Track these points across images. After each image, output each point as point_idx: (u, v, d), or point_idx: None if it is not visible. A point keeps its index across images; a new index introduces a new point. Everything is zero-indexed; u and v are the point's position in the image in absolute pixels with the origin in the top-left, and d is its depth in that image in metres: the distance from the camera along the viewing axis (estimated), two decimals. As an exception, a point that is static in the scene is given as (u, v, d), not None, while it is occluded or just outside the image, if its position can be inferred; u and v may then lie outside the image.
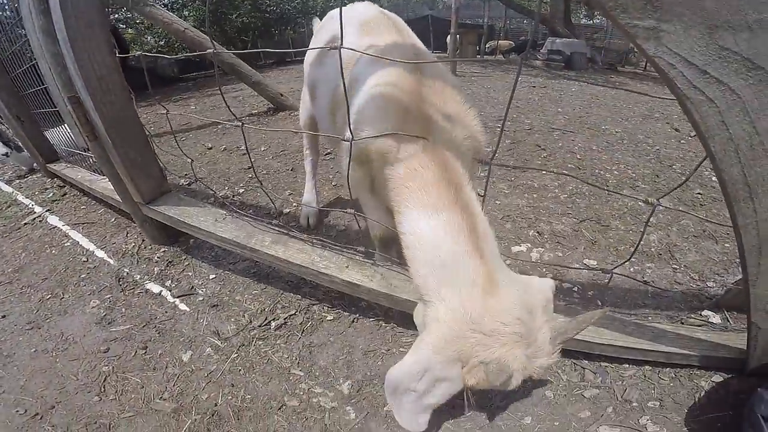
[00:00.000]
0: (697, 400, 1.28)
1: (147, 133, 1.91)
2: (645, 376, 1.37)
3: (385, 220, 1.44)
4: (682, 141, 3.59)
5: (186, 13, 10.19)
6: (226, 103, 1.43)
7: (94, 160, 2.65)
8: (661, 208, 1.74)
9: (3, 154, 3.32)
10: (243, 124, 1.41)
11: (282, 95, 4.64)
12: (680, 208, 2.26)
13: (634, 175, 2.87)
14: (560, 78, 7.27)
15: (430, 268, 1.08)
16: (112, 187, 2.05)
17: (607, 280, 1.41)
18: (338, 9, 1.74)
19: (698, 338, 1.34)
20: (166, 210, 1.93)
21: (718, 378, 1.34)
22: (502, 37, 9.76)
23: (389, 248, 1.61)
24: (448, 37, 7.26)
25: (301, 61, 2.02)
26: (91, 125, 1.73)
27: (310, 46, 1.93)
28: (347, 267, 1.51)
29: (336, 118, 1.53)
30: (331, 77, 1.54)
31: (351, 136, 1.21)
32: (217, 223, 1.80)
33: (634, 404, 1.29)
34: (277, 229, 1.75)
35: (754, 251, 0.98)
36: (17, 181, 3.35)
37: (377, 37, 1.47)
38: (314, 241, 1.67)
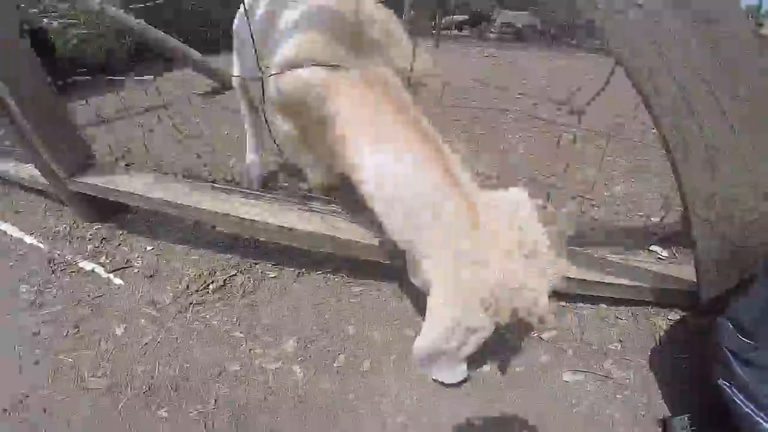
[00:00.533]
0: (657, 341, 1.26)
1: (64, 106, 1.80)
2: (602, 316, 1.34)
3: (324, 168, 1.34)
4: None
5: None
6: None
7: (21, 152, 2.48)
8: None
9: None
10: (155, 77, 1.29)
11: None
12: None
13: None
14: (512, 49, 7.26)
15: (410, 218, 0.97)
16: (39, 171, 1.92)
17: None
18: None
19: (649, 270, 1.31)
20: (91, 180, 1.80)
21: (674, 316, 1.31)
22: (456, 12, 9.73)
23: (331, 196, 1.51)
24: (404, 15, 7.16)
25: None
26: (3, 102, 1.60)
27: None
28: (281, 212, 1.42)
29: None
30: (259, 34, 1.41)
31: (261, 72, 1.13)
32: (145, 185, 1.69)
33: (594, 347, 1.26)
34: (208, 185, 1.66)
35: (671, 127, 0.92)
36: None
37: None
38: (248, 192, 1.58)
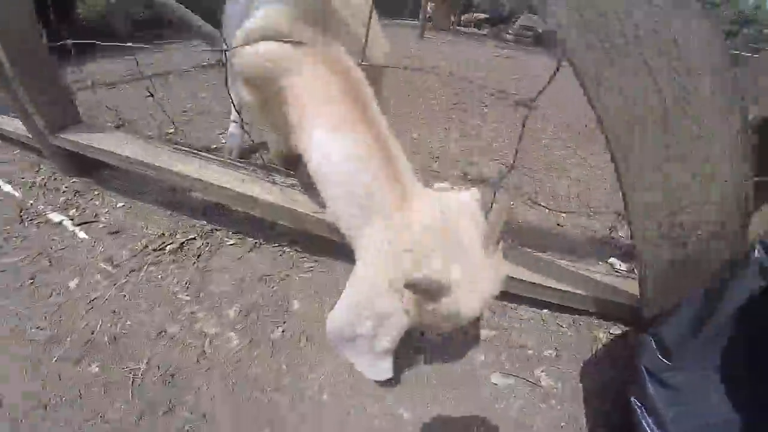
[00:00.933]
0: (594, 353, 1.24)
1: (55, 65, 1.83)
2: (543, 320, 1.33)
3: (281, 141, 1.35)
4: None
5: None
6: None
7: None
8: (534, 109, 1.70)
9: None
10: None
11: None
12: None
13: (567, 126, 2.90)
14: (527, 52, 7.19)
15: (344, 199, 0.99)
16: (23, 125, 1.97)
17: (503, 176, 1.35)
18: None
19: (598, 280, 1.30)
20: (71, 136, 1.83)
21: (616, 330, 1.30)
22: (479, 10, 9.63)
23: (292, 166, 1.51)
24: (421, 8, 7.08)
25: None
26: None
27: None
28: (243, 181, 1.44)
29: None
30: (240, 14, 1.37)
31: (225, 45, 1.17)
32: (120, 144, 1.71)
33: (529, 351, 1.25)
34: (182, 149, 1.67)
35: (618, 134, 0.90)
36: None
37: None
38: (220, 161, 1.59)
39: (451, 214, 0.91)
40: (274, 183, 1.43)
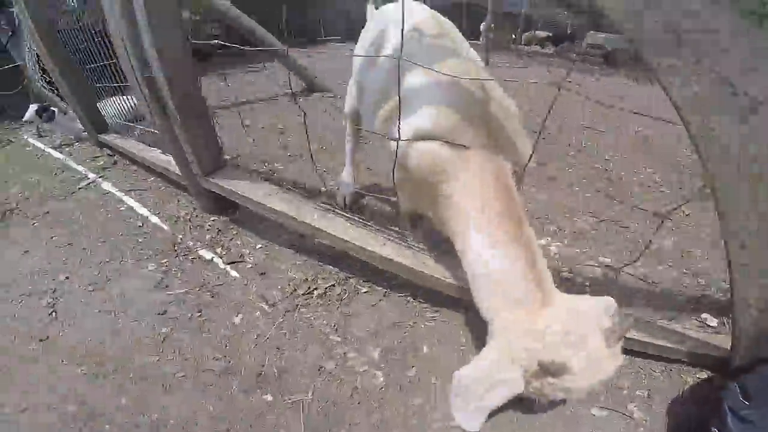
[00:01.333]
0: (680, 393, 1.41)
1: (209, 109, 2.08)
2: (638, 367, 1.50)
3: (412, 207, 1.61)
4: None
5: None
6: (291, 76, 1.57)
7: (140, 132, 2.91)
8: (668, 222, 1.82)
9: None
10: (294, 93, 1.54)
11: (316, 77, 4.75)
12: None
13: (659, 180, 2.92)
14: (594, 72, 7.11)
15: (496, 297, 1.20)
16: (163, 157, 2.31)
17: (614, 276, 1.54)
18: (391, 5, 1.82)
19: (690, 336, 1.45)
20: (222, 182, 2.10)
21: (703, 375, 1.45)
22: (539, 28, 9.56)
23: (417, 226, 1.77)
24: (482, 24, 7.13)
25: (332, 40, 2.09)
26: (162, 103, 1.90)
27: (360, 37, 2.04)
28: (384, 245, 1.68)
29: (382, 123, 1.59)
30: (382, 83, 1.60)
31: (399, 136, 1.30)
32: (267, 196, 1.97)
33: (624, 391, 1.42)
34: (321, 205, 1.93)
35: (733, 238, 1.07)
36: (67, 148, 3.40)
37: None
38: (354, 218, 1.85)
39: (580, 313, 1.13)
40: (409, 246, 1.69)
